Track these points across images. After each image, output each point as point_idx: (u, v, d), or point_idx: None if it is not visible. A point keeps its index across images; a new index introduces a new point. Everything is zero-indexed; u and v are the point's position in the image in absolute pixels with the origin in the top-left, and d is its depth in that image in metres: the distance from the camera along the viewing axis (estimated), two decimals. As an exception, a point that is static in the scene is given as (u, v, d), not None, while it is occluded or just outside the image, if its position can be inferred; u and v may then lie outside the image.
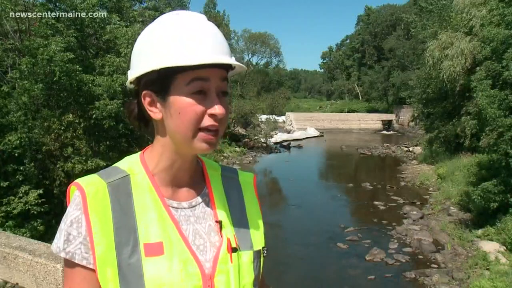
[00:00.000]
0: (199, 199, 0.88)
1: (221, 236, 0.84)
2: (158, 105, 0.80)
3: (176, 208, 0.84)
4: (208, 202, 0.88)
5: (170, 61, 0.75)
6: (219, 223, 0.85)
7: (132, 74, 0.82)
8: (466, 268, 8.27)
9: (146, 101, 0.81)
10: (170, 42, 0.76)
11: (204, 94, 0.76)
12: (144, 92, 0.80)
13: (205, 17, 0.80)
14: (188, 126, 0.76)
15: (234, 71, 0.86)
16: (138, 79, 0.82)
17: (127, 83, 0.85)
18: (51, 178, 9.34)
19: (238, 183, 0.96)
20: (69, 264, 0.78)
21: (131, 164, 0.85)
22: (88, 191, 0.77)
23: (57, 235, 0.78)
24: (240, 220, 0.90)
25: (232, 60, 0.78)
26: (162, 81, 0.77)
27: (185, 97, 0.76)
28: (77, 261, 0.76)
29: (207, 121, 0.77)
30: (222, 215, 0.87)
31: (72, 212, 0.77)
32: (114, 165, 0.86)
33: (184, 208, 0.85)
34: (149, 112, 0.81)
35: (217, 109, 0.76)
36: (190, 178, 0.88)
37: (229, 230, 0.86)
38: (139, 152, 0.89)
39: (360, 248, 9.74)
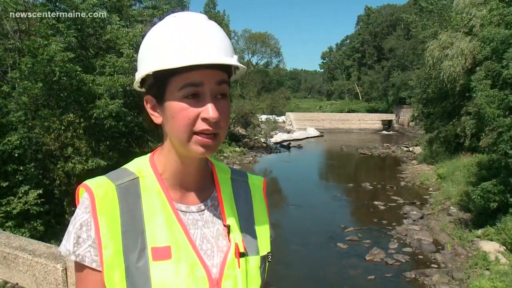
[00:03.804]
0: (208, 202, 0.87)
1: (229, 240, 0.84)
2: (158, 109, 0.80)
3: (184, 212, 0.83)
4: (217, 206, 0.87)
5: (158, 64, 0.74)
6: (227, 227, 0.85)
7: (135, 78, 0.83)
8: (466, 268, 8.27)
9: (148, 106, 0.81)
10: (160, 45, 0.76)
11: (198, 97, 0.75)
12: (146, 96, 0.81)
13: (205, 17, 0.78)
14: (182, 130, 0.75)
15: (237, 73, 0.84)
16: (144, 84, 0.82)
17: (135, 86, 0.85)
18: (51, 178, 9.33)
19: (248, 187, 0.95)
20: (79, 267, 0.78)
21: (140, 166, 0.84)
22: (97, 193, 0.77)
23: (66, 237, 0.78)
24: (248, 225, 0.89)
25: (223, 60, 0.74)
26: (158, 86, 0.77)
27: (178, 101, 0.75)
28: (87, 263, 0.76)
29: (200, 125, 0.75)
30: (231, 219, 0.86)
31: (81, 215, 0.77)
32: (123, 166, 0.86)
33: (193, 212, 0.84)
34: (151, 116, 0.81)
35: (210, 113, 0.73)
36: (199, 181, 0.87)
37: (237, 235, 0.85)
38: (149, 154, 0.88)
39: (360, 248, 9.74)
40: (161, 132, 0.85)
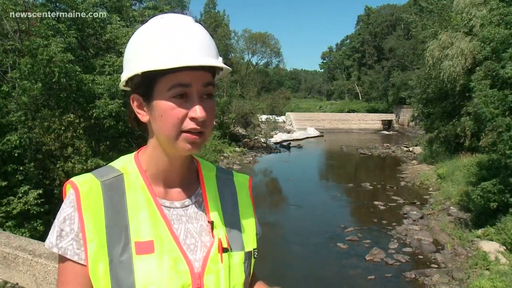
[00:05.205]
0: (192, 199, 0.89)
1: (213, 236, 0.85)
2: (145, 108, 0.82)
3: (168, 207, 0.85)
4: (201, 203, 0.89)
5: (148, 65, 0.76)
6: (211, 223, 0.86)
7: (121, 78, 0.84)
8: (466, 268, 8.27)
9: (134, 104, 0.83)
10: (149, 46, 0.77)
11: (186, 97, 0.77)
12: (132, 95, 0.83)
13: (191, 20, 0.81)
14: (170, 128, 0.77)
15: (221, 73, 0.87)
16: (129, 83, 0.84)
17: (120, 86, 0.87)
18: (51, 178, 9.34)
19: (233, 184, 0.97)
20: (61, 259, 0.80)
21: (125, 164, 0.87)
22: (82, 189, 0.79)
23: (51, 231, 0.80)
24: (232, 221, 0.91)
25: (211, 62, 0.78)
26: (146, 85, 0.79)
27: (167, 100, 0.77)
28: (69, 256, 0.78)
29: (188, 124, 0.77)
30: (215, 215, 0.88)
31: (66, 209, 0.79)
32: (108, 164, 0.88)
33: (177, 207, 0.86)
34: (138, 115, 0.83)
35: (198, 113, 0.76)
36: (183, 178, 0.89)
37: (220, 231, 0.87)
38: (134, 152, 0.90)
39: (360, 248, 9.74)
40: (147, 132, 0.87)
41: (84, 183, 0.80)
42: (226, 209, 0.91)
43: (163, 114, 0.77)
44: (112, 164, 0.87)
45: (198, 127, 0.78)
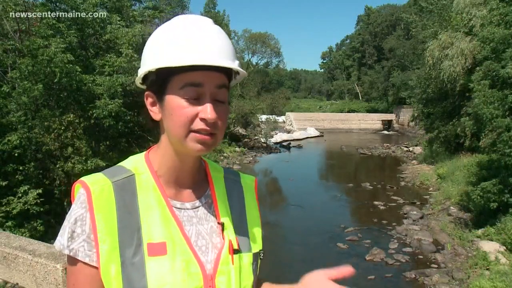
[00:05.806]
0: (202, 200, 0.88)
1: (223, 237, 0.85)
2: (158, 106, 0.81)
3: (179, 208, 0.85)
4: (211, 204, 0.89)
5: (162, 62, 0.76)
6: (221, 225, 0.86)
7: (138, 74, 0.84)
8: (466, 268, 8.27)
9: (148, 102, 0.83)
10: (165, 44, 0.77)
11: (198, 98, 0.77)
12: (146, 92, 0.83)
13: (210, 21, 0.80)
14: (179, 128, 0.77)
15: (238, 78, 0.86)
16: (146, 81, 0.84)
17: (137, 83, 0.87)
18: (51, 178, 9.33)
19: (240, 186, 0.97)
20: (72, 261, 0.79)
21: (136, 164, 0.86)
22: (94, 189, 0.78)
23: (61, 232, 0.79)
24: (240, 223, 0.91)
25: (225, 63, 0.76)
26: (160, 83, 0.79)
27: (178, 99, 0.76)
28: (80, 258, 0.77)
29: (198, 125, 0.77)
30: (224, 217, 0.88)
31: (77, 210, 0.78)
32: (119, 164, 0.87)
33: (187, 209, 0.86)
34: (150, 113, 0.83)
35: (208, 114, 0.75)
36: (193, 179, 0.89)
37: (230, 232, 0.87)
38: (145, 152, 0.90)
39: (360, 248, 9.73)
40: (159, 131, 0.87)
41: (95, 183, 0.79)
42: (234, 210, 0.91)
43: (173, 112, 0.77)
44: (122, 164, 0.86)
45: (208, 129, 0.77)
